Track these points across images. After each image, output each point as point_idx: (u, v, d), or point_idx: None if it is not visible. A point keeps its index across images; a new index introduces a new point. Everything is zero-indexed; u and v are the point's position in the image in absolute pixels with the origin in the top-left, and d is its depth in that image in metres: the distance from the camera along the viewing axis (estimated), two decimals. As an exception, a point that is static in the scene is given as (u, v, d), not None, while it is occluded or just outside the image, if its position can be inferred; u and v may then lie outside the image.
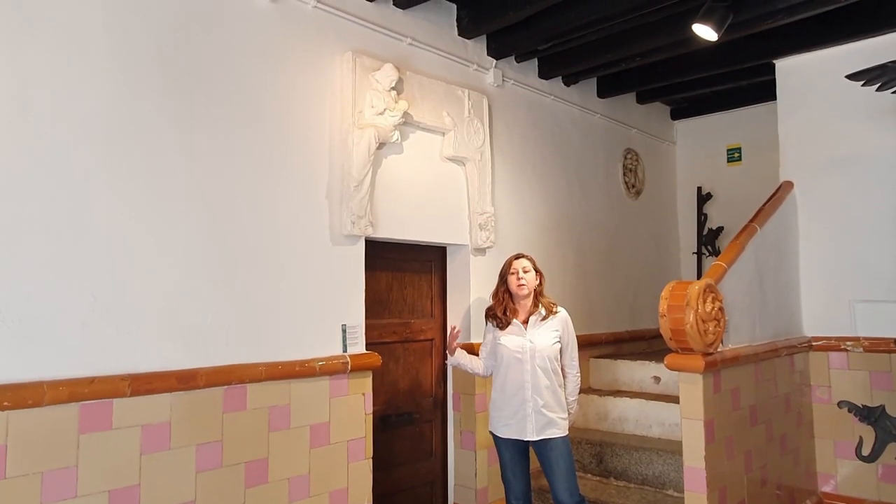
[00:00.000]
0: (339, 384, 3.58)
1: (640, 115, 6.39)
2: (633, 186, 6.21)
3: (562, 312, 3.63)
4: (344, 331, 3.65)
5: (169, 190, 3.00)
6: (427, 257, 4.47)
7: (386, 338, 4.14)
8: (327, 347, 3.56)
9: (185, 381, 2.95)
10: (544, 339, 3.52)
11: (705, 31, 4.17)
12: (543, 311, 3.57)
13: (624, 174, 6.11)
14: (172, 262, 2.99)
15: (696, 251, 6.52)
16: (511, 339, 3.54)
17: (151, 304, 2.90)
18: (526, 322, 3.57)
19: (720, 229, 6.40)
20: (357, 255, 3.75)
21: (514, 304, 3.60)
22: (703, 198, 6.54)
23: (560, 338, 3.57)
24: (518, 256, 3.66)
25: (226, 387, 3.10)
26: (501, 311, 3.59)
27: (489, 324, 3.69)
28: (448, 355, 3.77)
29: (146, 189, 2.93)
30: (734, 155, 6.49)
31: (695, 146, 6.77)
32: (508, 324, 3.57)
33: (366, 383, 3.71)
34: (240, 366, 3.16)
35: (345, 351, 3.63)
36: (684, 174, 6.81)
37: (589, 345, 5.21)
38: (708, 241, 6.44)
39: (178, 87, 3.07)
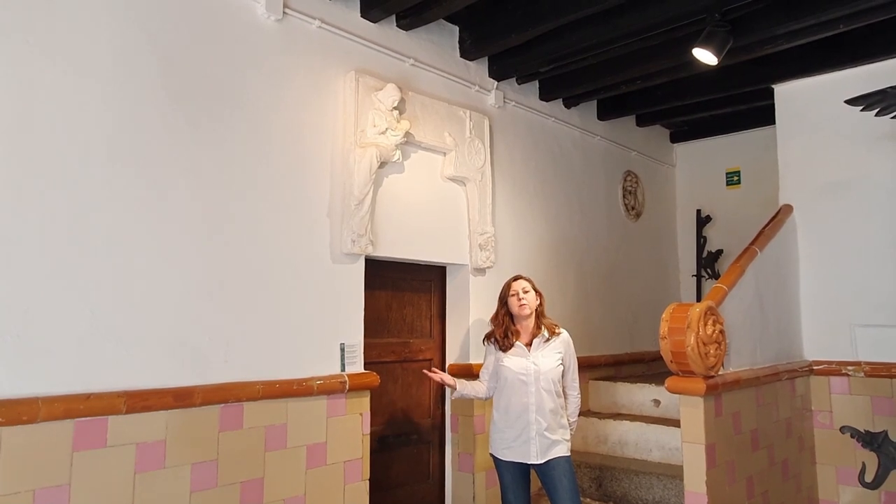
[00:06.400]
0: (337, 403, 3.54)
1: (639, 138, 6.41)
2: (633, 208, 6.22)
3: (564, 334, 3.60)
4: (342, 349, 3.62)
5: (169, 206, 3.00)
6: (427, 277, 4.46)
7: (384, 357, 4.11)
8: (325, 366, 3.53)
9: (181, 398, 2.91)
10: (548, 361, 3.48)
11: (705, 56, 4.19)
12: (546, 333, 3.54)
13: (624, 196, 6.12)
14: (171, 279, 2.97)
15: (695, 274, 6.51)
16: (515, 360, 3.49)
17: (150, 320, 2.88)
18: (529, 344, 3.53)
19: (719, 252, 6.40)
20: (357, 273, 3.74)
21: (515, 325, 3.57)
22: (702, 220, 6.55)
23: (562, 359, 3.54)
24: (516, 278, 3.64)
25: (222, 405, 3.07)
26: (502, 333, 3.55)
27: (490, 346, 3.65)
28: (450, 391, 3.72)
29: (146, 205, 2.92)
30: (733, 178, 6.51)
31: (694, 169, 6.79)
32: (511, 346, 3.52)
33: (364, 403, 3.67)
34: (237, 384, 3.13)
35: (343, 370, 3.60)
36: (684, 197, 6.83)
37: (588, 367, 5.18)
38: (707, 263, 6.44)
39: (180, 104, 3.07)
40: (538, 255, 5.05)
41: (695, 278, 6.49)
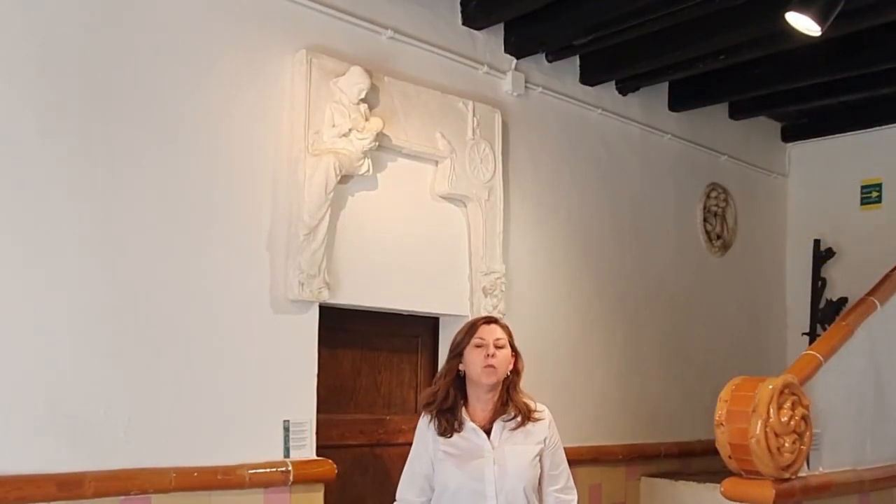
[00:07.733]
0: (279, 499, 3.86)
1: (733, 136, 6.61)
2: (720, 238, 6.46)
3: (546, 416, 3.31)
4: (286, 428, 3.96)
5: (53, 240, 3.33)
6: (411, 332, 4.77)
7: (349, 439, 4.42)
8: (263, 450, 3.87)
9: (67, 488, 3.24)
10: (519, 459, 3.16)
11: (803, 23, 4.09)
12: (516, 416, 3.22)
13: (705, 220, 6.36)
14: (56, 336, 3.31)
15: (808, 331, 6.64)
16: (465, 456, 3.16)
17: (27, 388, 3.22)
18: (488, 429, 3.21)
19: (843, 301, 6.46)
20: (308, 326, 4.08)
21: (468, 396, 3.27)
22: (821, 255, 6.68)
23: (541, 455, 3.24)
24: (489, 320, 3.36)
25: (122, 498, 3.40)
26: (447, 406, 3.21)
27: (427, 427, 3.30)
28: None
29: (22, 240, 3.25)
30: (872, 194, 6.66)
31: (814, 181, 6.93)
32: (460, 428, 3.19)
33: (315, 500, 3.98)
34: (142, 470, 3.47)
35: (287, 456, 3.94)
36: (797, 221, 6.97)
37: (641, 458, 5.37)
38: (826, 317, 6.52)
39: (67, 104, 3.39)
40: (570, 303, 5.29)
41: (807, 337, 6.59)
